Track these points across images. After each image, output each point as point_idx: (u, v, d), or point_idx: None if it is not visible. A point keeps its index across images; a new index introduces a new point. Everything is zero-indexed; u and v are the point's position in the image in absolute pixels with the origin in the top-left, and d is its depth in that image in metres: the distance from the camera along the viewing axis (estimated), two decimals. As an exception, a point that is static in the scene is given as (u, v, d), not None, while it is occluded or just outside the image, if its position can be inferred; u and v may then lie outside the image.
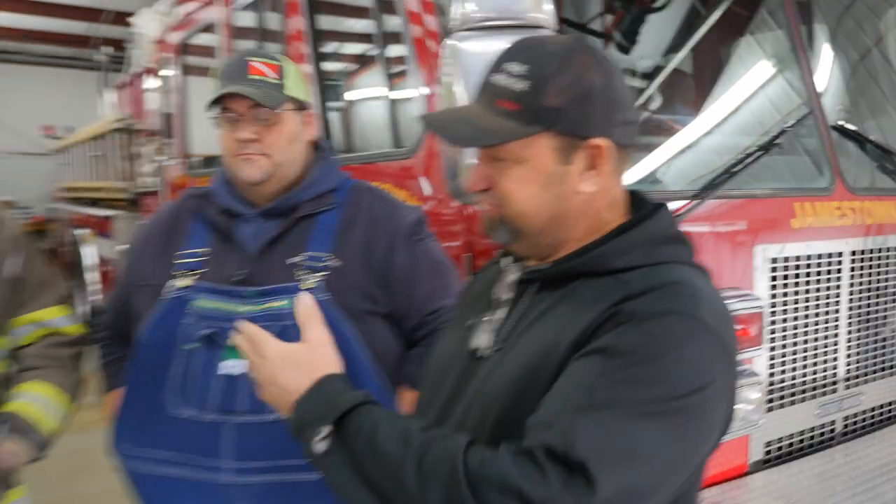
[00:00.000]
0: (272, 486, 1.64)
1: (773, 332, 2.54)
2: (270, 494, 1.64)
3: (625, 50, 2.96)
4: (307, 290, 1.65)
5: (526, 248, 1.15)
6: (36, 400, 1.79)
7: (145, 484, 1.75)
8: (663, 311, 0.99)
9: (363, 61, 3.43)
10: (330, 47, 3.43)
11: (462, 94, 1.70)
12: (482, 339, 1.17)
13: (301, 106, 1.76)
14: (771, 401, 2.56)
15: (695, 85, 3.28)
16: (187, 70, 5.19)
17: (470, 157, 1.66)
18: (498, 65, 1.09)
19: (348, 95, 3.49)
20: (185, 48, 5.12)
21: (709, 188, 2.38)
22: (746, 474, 2.46)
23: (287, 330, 1.60)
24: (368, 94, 3.35)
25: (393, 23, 2.72)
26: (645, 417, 0.94)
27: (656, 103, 3.01)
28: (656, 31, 3.07)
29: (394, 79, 2.77)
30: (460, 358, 1.21)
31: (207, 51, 4.84)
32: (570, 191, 1.09)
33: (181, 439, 1.67)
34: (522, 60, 1.07)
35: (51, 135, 12.16)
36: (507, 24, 1.75)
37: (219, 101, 1.67)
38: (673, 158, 2.74)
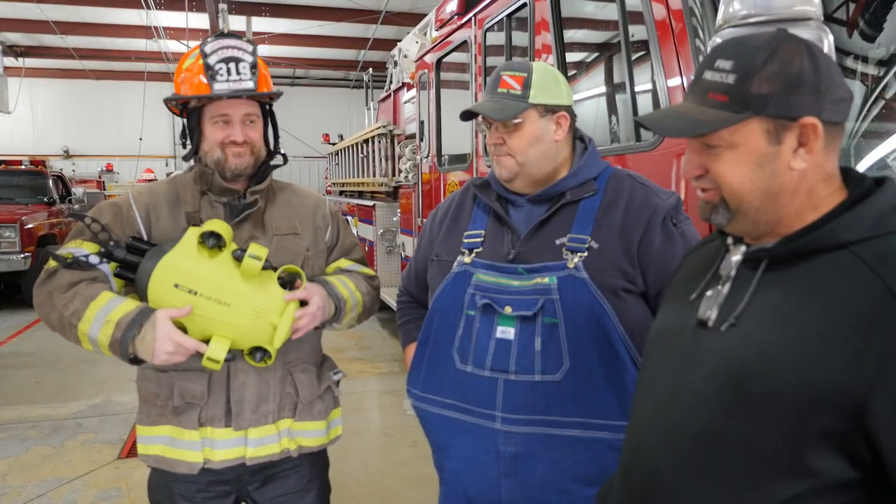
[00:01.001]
0: (534, 437, 1.65)
1: None
2: (533, 443, 1.65)
3: (869, 38, 2.60)
4: (570, 268, 1.64)
5: (743, 227, 1.10)
6: (336, 279, 1.94)
7: (432, 421, 1.83)
8: None
9: (606, 65, 3.34)
10: (574, 56, 3.38)
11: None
12: (710, 312, 1.12)
13: (551, 108, 1.72)
14: None
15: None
16: (440, 84, 5.39)
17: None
18: (708, 62, 1.07)
19: (592, 96, 3.43)
20: (439, 65, 5.32)
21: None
22: None
23: (550, 303, 1.62)
24: (610, 94, 3.25)
25: (637, 29, 2.62)
26: None
27: (893, 90, 2.63)
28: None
29: (637, 80, 2.67)
30: (685, 329, 1.16)
31: (459, 67, 5.00)
32: (782, 168, 1.04)
33: (463, 389, 1.72)
34: (729, 57, 1.05)
35: (327, 141, 13.28)
36: (771, 18, 1.60)
37: (471, 114, 1.74)
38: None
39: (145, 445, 1.82)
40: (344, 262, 2.05)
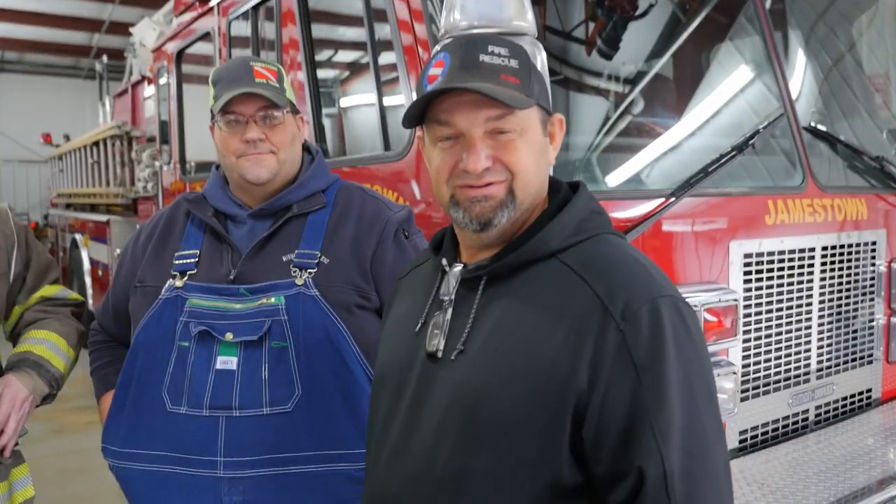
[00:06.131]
0: (264, 480, 1.65)
1: (747, 324, 2.61)
2: (262, 488, 1.65)
3: (607, 56, 3.03)
4: (298, 285, 1.70)
5: (507, 227, 1.16)
6: (41, 342, 1.86)
7: (136, 481, 1.75)
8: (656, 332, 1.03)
9: (355, 68, 3.50)
10: (324, 55, 3.49)
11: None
12: (438, 341, 1.17)
13: (295, 109, 1.83)
14: (745, 390, 2.63)
15: (675, 89, 3.36)
16: (183, 78, 5.23)
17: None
18: (477, 47, 1.13)
19: (341, 101, 3.55)
20: (181, 57, 5.17)
21: (686, 187, 2.45)
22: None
23: (277, 325, 1.66)
24: (360, 99, 3.41)
25: (384, 31, 2.79)
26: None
27: (638, 107, 3.08)
28: (637, 37, 3.14)
29: (385, 84, 2.83)
30: (416, 361, 1.20)
31: (203, 59, 4.90)
32: (548, 161, 1.19)
33: (176, 436, 1.68)
34: (499, 44, 1.15)
35: (49, 143, 12.16)
36: (491, 31, 1.82)
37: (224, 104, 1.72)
38: (654, 159, 2.81)
39: None
40: (50, 289, 1.94)
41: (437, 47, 1.20)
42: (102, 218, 7.74)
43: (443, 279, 1.24)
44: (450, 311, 1.19)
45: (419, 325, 1.23)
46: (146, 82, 7.31)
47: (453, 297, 1.19)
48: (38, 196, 17.36)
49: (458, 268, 1.21)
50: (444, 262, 1.25)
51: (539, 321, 1.07)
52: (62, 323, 1.92)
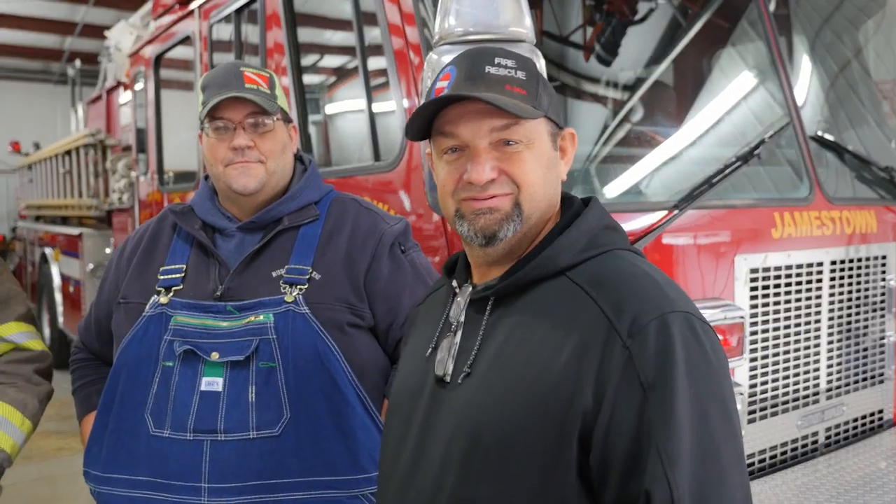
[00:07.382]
0: None
1: (754, 342, 2.62)
2: None
3: (605, 62, 3.05)
4: (288, 303, 1.70)
5: (515, 242, 1.17)
6: None
7: None
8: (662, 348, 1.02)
9: (344, 74, 3.51)
10: (310, 60, 3.50)
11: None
12: (447, 365, 1.18)
13: (287, 118, 1.83)
14: (753, 412, 2.63)
15: (676, 96, 3.38)
16: (161, 84, 5.23)
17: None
18: (483, 59, 1.16)
19: (329, 108, 3.56)
20: (159, 62, 5.17)
21: (689, 199, 2.46)
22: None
23: (265, 344, 1.66)
24: (349, 107, 3.41)
25: (374, 34, 2.80)
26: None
27: (638, 115, 3.10)
28: (637, 43, 3.17)
29: (374, 91, 2.84)
30: (426, 386, 1.22)
31: (183, 64, 4.90)
32: (558, 175, 1.21)
33: (159, 461, 1.68)
34: (506, 56, 1.16)
35: (17, 151, 12.11)
36: (488, 37, 1.83)
37: (211, 109, 1.72)
38: (655, 170, 2.83)
39: None
40: (9, 329, 1.88)
41: (445, 60, 1.22)
42: (74, 231, 7.68)
43: (454, 301, 1.25)
44: (459, 333, 1.20)
45: (430, 349, 1.25)
46: (122, 88, 7.29)
47: (462, 319, 1.21)
48: (6, 207, 17.26)
49: (468, 289, 1.23)
50: (455, 283, 1.27)
51: (544, 341, 1.08)
52: (20, 389, 1.85)
